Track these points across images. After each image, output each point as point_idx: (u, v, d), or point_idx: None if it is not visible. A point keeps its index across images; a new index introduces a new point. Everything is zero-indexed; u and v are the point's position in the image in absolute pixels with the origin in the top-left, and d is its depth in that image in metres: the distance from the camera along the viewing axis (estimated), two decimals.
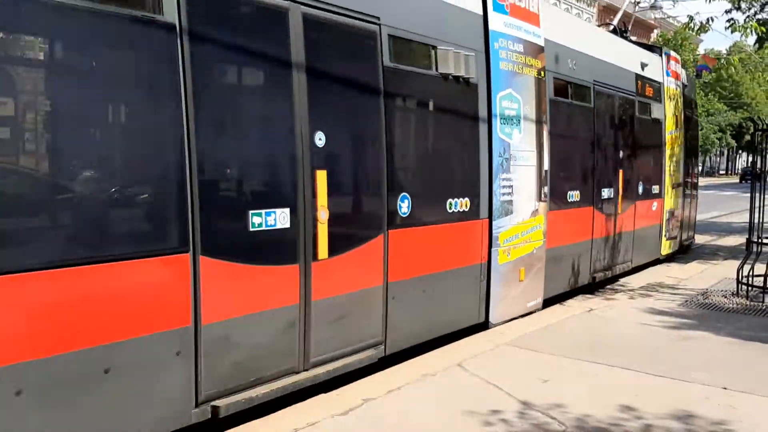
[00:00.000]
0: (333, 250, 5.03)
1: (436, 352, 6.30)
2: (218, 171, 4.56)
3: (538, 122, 7.65)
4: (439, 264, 6.30)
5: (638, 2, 15.58)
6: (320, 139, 4.94)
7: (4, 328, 3.28)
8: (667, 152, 11.80)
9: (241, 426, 4.56)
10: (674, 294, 9.37)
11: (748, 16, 10.32)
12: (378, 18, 5.47)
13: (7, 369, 3.27)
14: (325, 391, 5.19)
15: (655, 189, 11.37)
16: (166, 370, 4.05)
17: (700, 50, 55.62)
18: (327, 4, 4.98)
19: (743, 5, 10.20)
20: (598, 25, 12.24)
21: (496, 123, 6.89)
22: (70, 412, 3.58)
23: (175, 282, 4.06)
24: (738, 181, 57.31)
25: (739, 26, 9.59)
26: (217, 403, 4.30)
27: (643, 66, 10.88)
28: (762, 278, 8.92)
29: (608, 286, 9.89)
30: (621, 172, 10.08)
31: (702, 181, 30.00)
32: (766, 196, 8.77)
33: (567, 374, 5.82)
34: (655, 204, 11.40)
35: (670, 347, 6.69)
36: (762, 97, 60.52)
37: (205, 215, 4.14)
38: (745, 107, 58.82)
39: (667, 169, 11.76)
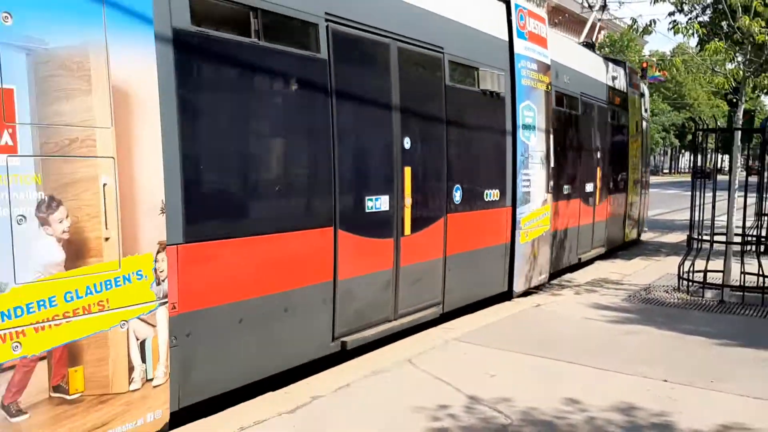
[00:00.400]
0: (413, 229, 6.57)
1: (386, 348, 6.32)
2: (349, 167, 5.87)
3: (546, 128, 9.17)
4: (478, 242, 7.87)
5: (591, 6, 15.92)
6: (407, 143, 6.46)
7: (237, 277, 4.78)
8: (630, 153, 13.58)
9: (188, 425, 4.49)
10: (618, 289, 9.59)
11: (690, 19, 10.58)
12: (442, 48, 7.03)
13: (235, 304, 4.77)
14: (273, 389, 5.15)
15: (622, 185, 13.23)
16: (318, 312, 5.54)
17: (645, 52, 57.05)
18: (412, 39, 6.54)
19: (686, 8, 10.45)
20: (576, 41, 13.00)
21: (519, 128, 8.42)
22: (266, 336, 5.07)
23: (326, 247, 5.55)
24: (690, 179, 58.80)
25: (681, 28, 9.82)
26: (345, 339, 5.83)
27: (613, 78, 12.52)
28: (702, 274, 9.19)
29: (555, 282, 10.07)
30: (599, 169, 11.77)
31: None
32: (706, 194, 9.02)
33: (514, 368, 5.90)
34: (621, 198, 13.22)
35: (614, 341, 6.84)
36: (704, 97, 62.27)
37: (341, 200, 5.65)
38: (687, 108, 60.52)
39: (630, 168, 13.57)
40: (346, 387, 5.27)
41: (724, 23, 9.48)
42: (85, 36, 3.66)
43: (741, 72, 9.32)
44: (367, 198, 6.00)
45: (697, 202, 9.10)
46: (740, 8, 8.69)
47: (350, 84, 5.85)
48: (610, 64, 12.77)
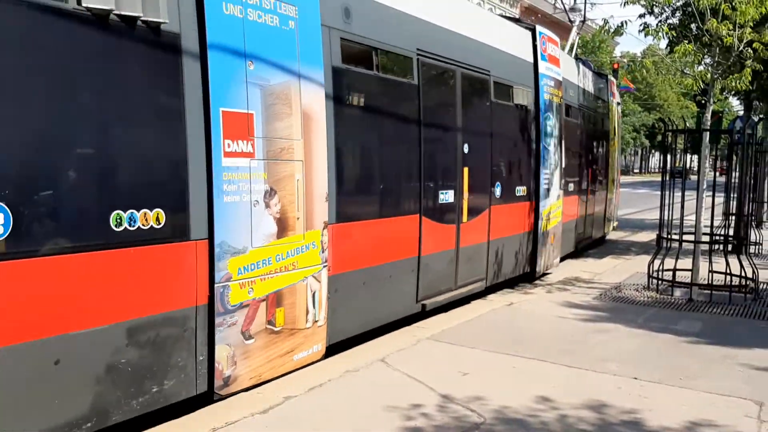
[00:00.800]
0: (468, 217, 8.11)
1: (360, 348, 6.32)
2: (429, 167, 7.36)
3: (559, 134, 10.69)
4: (512, 230, 9.41)
5: (572, 21, 16.40)
6: (466, 148, 8.00)
7: (362, 250, 6.32)
8: (610, 155, 15.32)
9: (160, 425, 4.45)
10: (589, 288, 9.70)
11: (660, 21, 10.71)
12: (489, 71, 8.59)
13: (361, 270, 6.28)
14: (246, 390, 5.11)
15: (605, 182, 15.00)
16: (408, 280, 7.09)
17: (617, 53, 57.70)
18: (470, 65, 8.15)
19: (656, 10, 10.58)
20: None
21: (542, 135, 9.97)
22: (378, 296, 6.62)
23: (414, 229, 7.09)
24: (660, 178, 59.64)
25: (651, 30, 9.94)
26: (425, 302, 7.37)
27: (599, 90, 14.33)
28: (671, 273, 9.33)
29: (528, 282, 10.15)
30: (590, 170, 13.50)
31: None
32: (675, 194, 9.16)
33: (487, 367, 5.93)
34: (603, 194, 14.85)
35: (585, 339, 6.91)
36: (674, 99, 63.17)
37: (424, 194, 7.20)
38: (658, 108, 61.35)
39: (610, 167, 15.33)
40: (319, 387, 5.25)
41: (693, 26, 9.63)
42: (289, 75, 5.18)
43: (709, 74, 9.46)
44: (440, 192, 7.58)
45: (667, 202, 9.24)
46: (708, 11, 8.82)
47: (431, 102, 7.44)
48: (597, 77, 14.53)
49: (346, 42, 5.94)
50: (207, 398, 4.70)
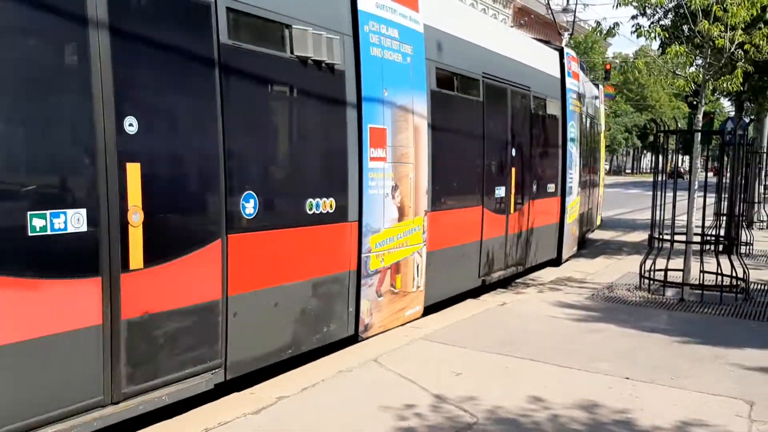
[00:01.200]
0: (514, 209, 9.71)
1: (353, 348, 6.32)
2: (489, 168, 8.98)
3: (579, 139, 12.52)
4: (544, 221, 10.94)
5: (560, 33, 17.04)
6: (513, 152, 9.63)
7: (445, 233, 7.77)
8: (601, 154, 17.04)
9: (151, 426, 4.44)
10: (581, 288, 9.73)
11: (652, 23, 10.76)
12: (529, 87, 10.16)
13: (443, 249, 7.76)
14: (239, 390, 5.11)
15: (598, 181, 16.89)
16: (474, 259, 8.69)
17: (609, 54, 57.87)
18: (517, 83, 9.74)
19: (648, 11, 10.62)
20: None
21: (568, 141, 11.68)
22: (454, 270, 8.22)
23: (478, 218, 8.67)
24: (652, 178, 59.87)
25: (644, 31, 9.97)
26: (484, 278, 9.01)
27: (596, 97, 16.10)
28: (663, 273, 9.37)
29: (520, 281, 10.18)
30: (590, 169, 15.14)
31: (609, 180, 31.06)
32: (667, 194, 9.20)
33: (480, 367, 5.95)
34: (597, 191, 16.67)
35: (577, 339, 6.94)
36: (665, 99, 63.44)
37: (485, 189, 8.80)
38: (649, 109, 61.59)
39: (600, 166, 17.17)
40: (312, 387, 5.25)
41: (685, 27, 9.66)
42: (407, 98, 6.84)
43: (701, 75, 9.50)
44: (495, 188, 9.11)
45: (659, 202, 9.28)
46: (700, 13, 8.86)
47: (492, 116, 8.96)
48: (593, 87, 16.23)
49: (439, 70, 7.59)
50: (352, 340, 6.37)
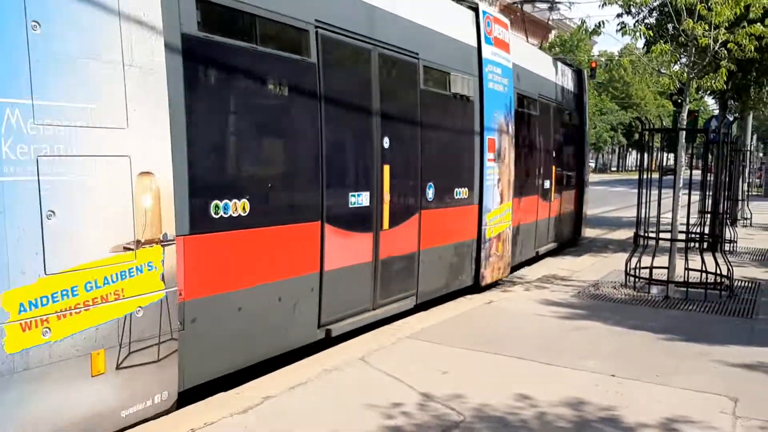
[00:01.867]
0: (555, 197, 12.50)
1: (339, 347, 6.29)
2: (521, 169, 10.51)
3: (588, 140, 15.53)
4: (568, 208, 13.67)
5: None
6: (552, 157, 12.39)
7: (516, 216, 10.28)
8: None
9: (137, 427, 4.39)
10: (567, 285, 9.76)
11: (637, 21, 10.83)
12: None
13: (516, 227, 10.38)
14: (225, 390, 5.08)
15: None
16: (531, 236, 11.35)
17: (595, 52, 58.08)
18: (555, 100, 12.50)
19: (633, 10, 10.68)
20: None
21: (586, 143, 15.02)
22: (521, 247, 10.87)
23: (534, 204, 11.46)
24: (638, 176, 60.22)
25: (629, 30, 10.03)
26: (538, 249, 11.82)
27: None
28: (648, 270, 9.42)
29: (506, 278, 10.20)
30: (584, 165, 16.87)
31: (595, 177, 31.13)
32: (652, 192, 9.25)
33: (466, 365, 5.95)
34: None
35: (563, 337, 6.96)
36: (650, 97, 63.77)
37: (516, 185, 10.11)
38: (635, 107, 61.89)
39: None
40: (298, 386, 5.22)
41: (669, 26, 9.74)
42: (505, 116, 9.59)
43: (685, 73, 9.57)
44: (528, 179, 11.31)
45: (644, 200, 9.33)
46: (685, 11, 8.92)
47: (525, 123, 11.02)
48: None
49: (518, 95, 10.15)
50: (475, 288, 9.02)
